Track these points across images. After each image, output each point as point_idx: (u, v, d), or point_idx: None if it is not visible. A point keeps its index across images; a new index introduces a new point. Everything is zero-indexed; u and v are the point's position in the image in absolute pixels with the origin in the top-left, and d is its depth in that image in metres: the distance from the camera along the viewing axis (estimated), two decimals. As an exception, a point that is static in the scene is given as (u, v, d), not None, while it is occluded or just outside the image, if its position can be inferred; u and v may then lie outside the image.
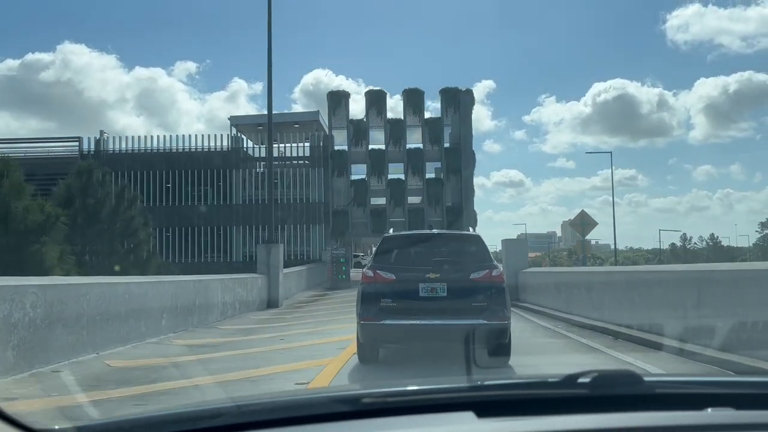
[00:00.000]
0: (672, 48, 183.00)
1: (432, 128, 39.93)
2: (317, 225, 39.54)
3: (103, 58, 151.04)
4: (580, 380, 1.43)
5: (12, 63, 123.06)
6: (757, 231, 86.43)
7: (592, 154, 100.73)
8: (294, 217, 39.72)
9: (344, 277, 31.21)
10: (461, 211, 39.12)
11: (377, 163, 39.44)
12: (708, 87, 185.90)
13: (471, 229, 10.62)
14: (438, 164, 40.42)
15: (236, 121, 41.38)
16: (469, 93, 40.31)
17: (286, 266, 28.74)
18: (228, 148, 40.63)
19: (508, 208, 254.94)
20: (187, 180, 40.20)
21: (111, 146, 40.51)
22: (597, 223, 26.23)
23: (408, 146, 39.84)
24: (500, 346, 7.03)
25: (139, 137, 40.75)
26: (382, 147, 39.77)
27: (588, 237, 26.31)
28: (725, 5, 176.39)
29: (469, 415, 1.31)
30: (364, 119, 39.82)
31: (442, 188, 39.58)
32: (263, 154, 41.17)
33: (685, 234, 75.07)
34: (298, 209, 39.97)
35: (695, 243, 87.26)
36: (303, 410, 1.39)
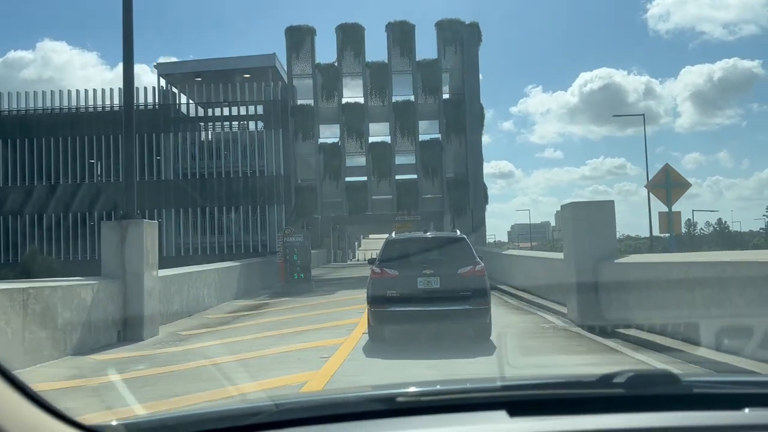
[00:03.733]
0: (654, 37, 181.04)
1: (426, 75, 30.43)
2: (276, 205, 30.07)
3: (84, 55, 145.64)
4: (616, 380, 1.44)
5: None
6: (764, 216, 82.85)
7: (621, 116, 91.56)
8: (245, 195, 30.22)
9: (303, 276, 21.75)
10: (466, 183, 29.77)
11: (354, 121, 29.98)
12: (693, 75, 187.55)
13: (458, 231, 10.93)
14: (435, 122, 30.92)
15: (166, 70, 31.74)
16: (474, 27, 30.80)
17: (230, 261, 19.97)
18: (155, 105, 31.07)
19: (498, 200, 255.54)
20: (101, 149, 30.58)
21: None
22: (690, 184, 17.04)
23: (395, 99, 30.39)
24: (483, 325, 8.85)
25: (35, 93, 31.05)
26: (361, 100, 30.28)
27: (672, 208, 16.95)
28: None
29: (501, 414, 1.33)
30: (336, 64, 30.29)
31: (441, 154, 30.17)
32: (204, 113, 31.64)
33: (689, 219, 70.59)
34: (249, 185, 30.46)
35: (702, 229, 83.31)
36: (339, 409, 1.45)
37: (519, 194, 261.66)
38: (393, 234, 10.49)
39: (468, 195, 29.64)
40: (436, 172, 30.08)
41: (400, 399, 1.46)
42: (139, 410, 4.35)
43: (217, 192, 30.41)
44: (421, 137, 30.65)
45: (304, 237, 22.18)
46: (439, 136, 30.66)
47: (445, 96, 30.85)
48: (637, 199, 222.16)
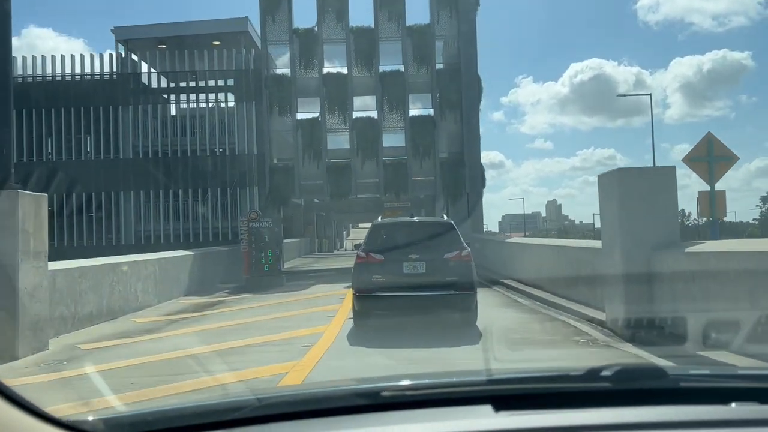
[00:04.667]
0: (644, 28, 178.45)
1: (418, 41, 27.21)
2: (249, 188, 26.87)
3: (71, 42, 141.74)
4: (603, 373, 1.44)
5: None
6: (758, 206, 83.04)
7: (626, 96, 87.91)
8: (214, 176, 27.00)
9: (270, 265, 18.67)
10: (462, 164, 26.68)
11: (337, 93, 26.78)
12: (683, 66, 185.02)
13: (445, 217, 11.61)
14: (427, 96, 27.77)
15: (125, 35, 28.32)
16: (471, -11, 27.53)
17: (183, 250, 17.87)
18: (112, 74, 27.71)
19: (490, 190, 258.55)
20: (50, 123, 27.23)
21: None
22: (737, 157, 14.16)
23: (382, 68, 27.19)
24: (468, 311, 8.82)
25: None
26: (344, 70, 27.07)
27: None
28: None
29: (486, 409, 1.34)
30: (316, 29, 27.02)
31: (434, 131, 27.02)
32: (167, 85, 28.32)
33: (683, 210, 69.13)
34: (219, 165, 27.23)
35: (695, 219, 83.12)
36: (323, 403, 1.45)
37: (509, 185, 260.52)
38: (380, 219, 10.39)
39: (464, 177, 26.52)
40: (428, 152, 26.94)
41: (384, 393, 1.45)
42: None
43: (183, 173, 27.17)
44: (412, 113, 27.50)
45: (273, 222, 19.06)
46: (431, 111, 27.49)
47: (439, 66, 27.64)
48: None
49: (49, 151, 27.67)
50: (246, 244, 18.74)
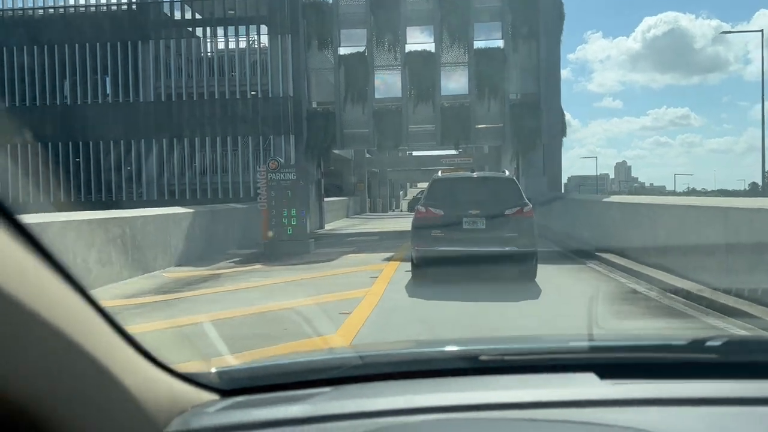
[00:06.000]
0: None
1: (485, -42, 22.43)
2: (283, 136, 23.14)
3: None
4: (709, 344, 1.41)
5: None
6: None
7: (729, 33, 79.58)
8: (244, 123, 23.41)
9: (294, 228, 15.00)
10: (537, 108, 22.09)
11: (386, 23, 22.51)
12: None
13: (506, 172, 11.03)
14: (497, 24, 23.06)
15: (144, -41, 24.68)
16: None
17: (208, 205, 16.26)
18: (131, 3, 24.29)
19: None
20: (64, 62, 24.17)
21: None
22: None
23: (442, -8, 22.59)
24: (528, 268, 8.86)
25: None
26: (396, -5, 22.66)
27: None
28: None
29: (590, 377, 1.29)
30: (363, -56, 22.63)
31: (504, 67, 22.43)
32: (192, 16, 24.66)
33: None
34: (250, 110, 23.57)
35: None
36: (422, 365, 1.44)
37: (576, 145, 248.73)
38: (439, 173, 10.20)
39: (539, 124, 21.97)
40: (495, 93, 22.42)
41: (483, 357, 1.42)
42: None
43: (210, 119, 23.69)
44: (477, 44, 22.88)
45: (298, 173, 15.26)
46: (501, 42, 22.82)
47: (511, -12, 22.83)
48: (701, 152, 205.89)
49: (65, 93, 24.67)
50: (265, 201, 15.07)
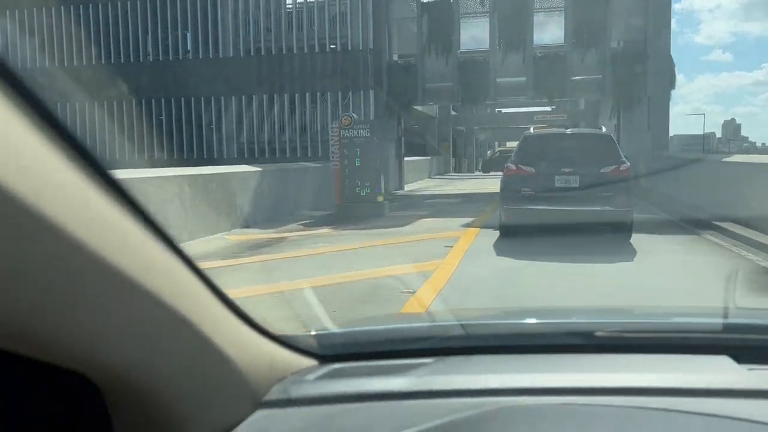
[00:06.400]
0: None
1: None
2: (362, 92, 22.08)
3: None
4: None
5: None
6: None
7: None
8: (323, 78, 22.53)
9: (369, 191, 14.07)
10: (642, 57, 19.82)
11: (474, -35, 20.70)
12: None
13: (603, 128, 10.80)
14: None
15: None
16: None
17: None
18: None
19: None
20: (146, 17, 24.06)
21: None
22: None
23: (535, -73, 20.49)
24: (623, 228, 8.45)
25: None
26: (485, -67, 20.76)
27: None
28: None
29: (725, 361, 1.14)
30: None
31: (605, 10, 20.21)
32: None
33: None
34: (329, 64, 22.62)
35: None
36: (532, 339, 1.35)
37: (679, 102, 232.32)
38: (531, 130, 9.94)
39: (644, 75, 19.73)
40: (595, 40, 20.27)
41: (599, 333, 1.28)
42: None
43: (289, 74, 22.99)
44: (574, -13, 20.70)
45: (371, 129, 14.23)
46: (602, -17, 20.52)
47: None
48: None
49: (148, 50, 24.62)
50: (337, 160, 14.16)
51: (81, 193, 0.60)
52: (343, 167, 14.02)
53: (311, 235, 10.76)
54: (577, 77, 20.70)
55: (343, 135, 13.96)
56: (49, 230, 0.55)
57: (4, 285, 0.54)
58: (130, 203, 0.68)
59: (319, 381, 1.12)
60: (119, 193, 0.66)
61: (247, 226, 11.73)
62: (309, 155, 22.48)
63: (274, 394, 1.02)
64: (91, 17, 24.29)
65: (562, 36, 20.91)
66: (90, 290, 0.62)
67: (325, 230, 11.42)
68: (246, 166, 13.26)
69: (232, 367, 0.90)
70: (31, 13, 23.95)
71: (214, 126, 23.88)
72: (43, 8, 23.66)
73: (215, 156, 23.63)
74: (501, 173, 9.52)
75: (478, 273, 6.95)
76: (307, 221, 12.87)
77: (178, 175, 9.77)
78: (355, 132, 13.95)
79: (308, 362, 1.19)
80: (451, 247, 8.68)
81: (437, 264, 7.39)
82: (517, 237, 8.78)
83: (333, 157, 14.31)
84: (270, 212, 12.84)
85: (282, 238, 10.52)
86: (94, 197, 0.62)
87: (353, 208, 13.69)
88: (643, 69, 19.66)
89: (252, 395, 0.97)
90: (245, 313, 0.99)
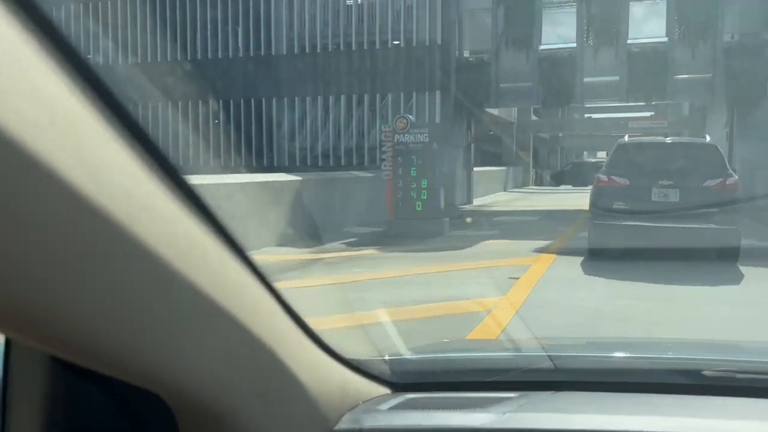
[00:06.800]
0: None
1: None
2: (427, 93, 19.76)
3: None
4: None
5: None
6: None
7: None
8: (384, 77, 20.40)
9: (424, 202, 11.74)
10: (761, 53, 16.66)
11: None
12: None
13: (707, 137, 9.84)
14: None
15: None
16: None
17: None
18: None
19: None
20: (195, 13, 22.72)
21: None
22: None
23: None
24: (729, 249, 7.58)
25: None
26: None
27: None
28: None
29: None
30: None
31: (718, 2, 17.15)
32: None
33: None
34: (391, 62, 20.46)
35: None
36: (627, 376, 1.26)
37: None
38: (626, 138, 9.44)
39: (764, 73, 16.54)
40: (703, 32, 17.20)
41: (707, 372, 1.17)
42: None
43: (346, 74, 20.98)
44: (680, -29, 17.70)
45: (430, 133, 11.96)
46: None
47: None
48: None
49: (196, 48, 23.21)
50: (390, 169, 11.91)
51: (167, 210, 0.57)
52: (396, 177, 11.74)
53: (351, 257, 8.77)
54: (681, 76, 17.65)
55: (398, 140, 11.68)
56: (144, 252, 0.53)
57: (107, 306, 0.53)
58: (207, 215, 0.64)
59: (392, 412, 1.08)
60: (197, 204, 0.62)
61: (282, 244, 9.66)
62: (366, 163, 20.33)
63: (345, 423, 0.99)
64: (141, 17, 23.19)
65: (663, 29, 17.95)
66: (176, 312, 0.61)
67: (368, 251, 9.42)
68: (281, 174, 11.30)
69: (306, 394, 0.88)
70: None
71: (263, 130, 22.13)
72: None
73: (265, 163, 21.84)
74: (571, 187, 7.88)
75: (549, 320, 4.77)
76: (352, 239, 10.77)
77: (198, 185, 7.71)
78: (412, 136, 11.63)
79: (380, 390, 1.14)
80: (517, 278, 6.45)
81: (494, 303, 5.14)
82: (605, 263, 7.54)
83: (385, 165, 12.07)
84: (310, 228, 10.71)
85: (317, 259, 8.50)
86: (175, 209, 0.59)
87: (407, 224, 11.40)
88: (764, 66, 16.49)
89: (323, 423, 0.94)
90: (319, 335, 0.96)
